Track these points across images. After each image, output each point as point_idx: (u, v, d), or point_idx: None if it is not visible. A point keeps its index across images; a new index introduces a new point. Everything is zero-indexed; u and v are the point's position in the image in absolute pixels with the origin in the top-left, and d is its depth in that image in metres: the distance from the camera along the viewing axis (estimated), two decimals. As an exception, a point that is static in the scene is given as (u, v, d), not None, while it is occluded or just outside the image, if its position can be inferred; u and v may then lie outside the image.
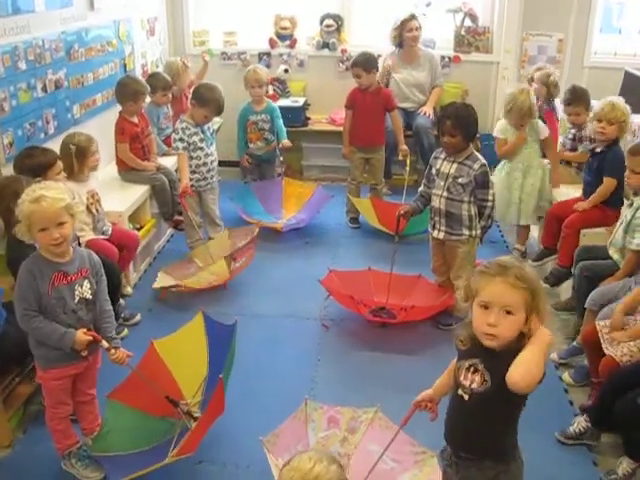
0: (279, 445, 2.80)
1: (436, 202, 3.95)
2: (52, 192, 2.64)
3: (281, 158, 6.06)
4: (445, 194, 3.88)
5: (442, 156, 3.92)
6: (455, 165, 3.83)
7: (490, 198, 3.85)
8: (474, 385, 2.03)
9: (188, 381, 3.19)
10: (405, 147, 5.50)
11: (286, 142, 5.66)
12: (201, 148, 4.77)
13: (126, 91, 4.90)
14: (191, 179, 4.78)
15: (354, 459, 2.87)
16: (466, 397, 2.06)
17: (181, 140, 4.71)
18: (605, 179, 4.20)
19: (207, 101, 4.69)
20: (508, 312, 1.92)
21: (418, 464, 2.85)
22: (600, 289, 3.55)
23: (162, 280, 4.63)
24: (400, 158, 5.52)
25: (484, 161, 3.81)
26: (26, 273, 2.65)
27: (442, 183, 3.88)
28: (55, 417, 2.91)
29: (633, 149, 3.68)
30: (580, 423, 3.16)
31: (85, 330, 2.73)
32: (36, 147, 3.85)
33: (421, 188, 4.13)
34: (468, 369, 2.06)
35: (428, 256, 4.26)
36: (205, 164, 4.82)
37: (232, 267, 4.59)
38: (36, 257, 2.69)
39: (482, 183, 3.81)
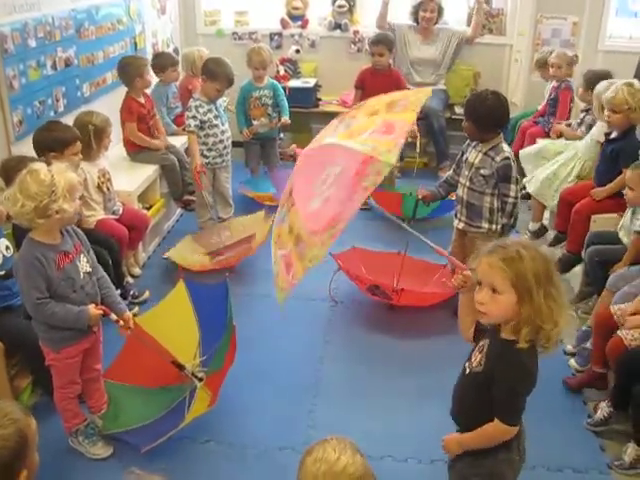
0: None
1: (460, 191, 3.85)
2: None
3: (281, 135, 6.05)
4: (468, 184, 3.77)
5: (473, 144, 3.79)
6: (480, 156, 3.70)
7: (512, 194, 3.67)
8: (474, 364, 2.10)
9: (182, 348, 3.20)
10: (414, 128, 5.42)
11: (286, 119, 5.58)
12: (216, 125, 4.76)
13: (131, 69, 4.83)
14: (207, 157, 4.79)
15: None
16: (467, 371, 2.14)
17: (194, 118, 4.69)
18: (624, 170, 4.03)
19: (216, 74, 4.68)
20: (494, 291, 1.96)
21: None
22: (620, 272, 3.50)
23: (181, 248, 4.71)
24: (409, 140, 5.45)
25: (509, 154, 3.64)
26: (31, 262, 2.62)
27: (467, 172, 3.78)
28: (65, 397, 2.92)
29: None
30: (603, 409, 3.14)
31: (94, 305, 2.76)
32: (59, 122, 3.83)
33: (449, 172, 4.04)
34: (479, 348, 2.12)
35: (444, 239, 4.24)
36: (222, 141, 4.82)
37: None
38: (33, 245, 2.65)
39: (504, 177, 3.64)
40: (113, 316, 2.80)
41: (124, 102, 4.88)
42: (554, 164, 4.88)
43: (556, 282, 1.99)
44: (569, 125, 5.33)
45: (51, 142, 3.57)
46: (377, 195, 5.34)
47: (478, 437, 2.08)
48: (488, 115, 3.63)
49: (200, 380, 3.07)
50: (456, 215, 3.97)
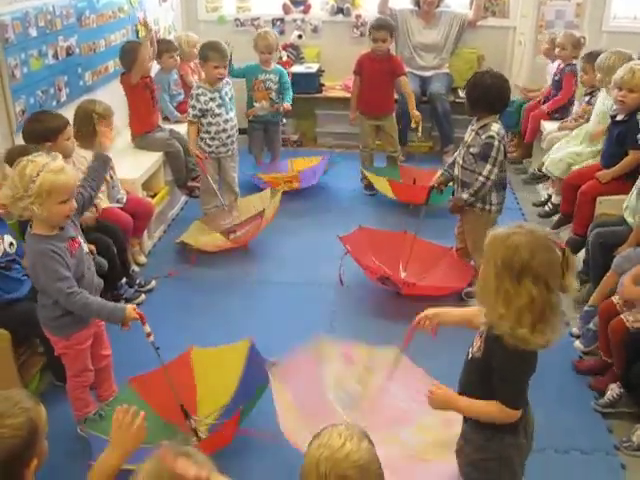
0: (287, 373, 2.74)
1: (455, 169, 3.89)
2: (61, 162, 2.64)
3: (284, 120, 6.06)
4: (461, 162, 3.81)
5: (472, 123, 3.82)
6: (472, 134, 3.74)
7: (484, 173, 3.66)
8: (475, 349, 2.11)
9: (208, 400, 3.05)
10: (417, 112, 5.36)
11: (287, 105, 5.55)
12: (219, 114, 4.73)
13: (134, 52, 4.78)
14: (210, 145, 4.78)
15: (374, 399, 2.82)
16: (470, 356, 2.15)
17: (193, 107, 4.69)
18: (631, 152, 4.08)
19: (207, 51, 4.68)
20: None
21: None
22: (626, 253, 3.48)
23: (192, 232, 4.74)
24: (413, 125, 5.42)
25: (495, 134, 3.63)
26: (50, 255, 2.60)
27: (462, 150, 3.82)
28: (79, 386, 2.93)
29: None
30: (613, 390, 3.13)
31: (134, 306, 2.75)
32: (45, 111, 3.83)
33: (456, 153, 4.02)
34: (480, 333, 2.11)
35: (449, 222, 4.26)
36: (225, 130, 4.78)
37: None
38: (39, 240, 2.63)
39: (482, 154, 3.66)
40: (147, 328, 2.70)
41: (136, 85, 4.82)
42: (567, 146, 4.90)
43: (520, 281, 1.90)
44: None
45: (44, 132, 3.54)
46: (400, 187, 5.33)
47: (476, 408, 2.08)
48: (482, 93, 3.65)
49: (198, 439, 2.87)
50: (453, 194, 3.99)
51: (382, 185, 5.38)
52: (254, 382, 2.95)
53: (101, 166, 3.11)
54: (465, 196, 3.77)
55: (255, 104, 5.59)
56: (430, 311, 2.40)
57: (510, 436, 2.12)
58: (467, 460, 2.23)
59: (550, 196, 5.20)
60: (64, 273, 2.62)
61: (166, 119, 5.56)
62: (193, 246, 4.57)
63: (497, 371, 2.01)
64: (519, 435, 2.13)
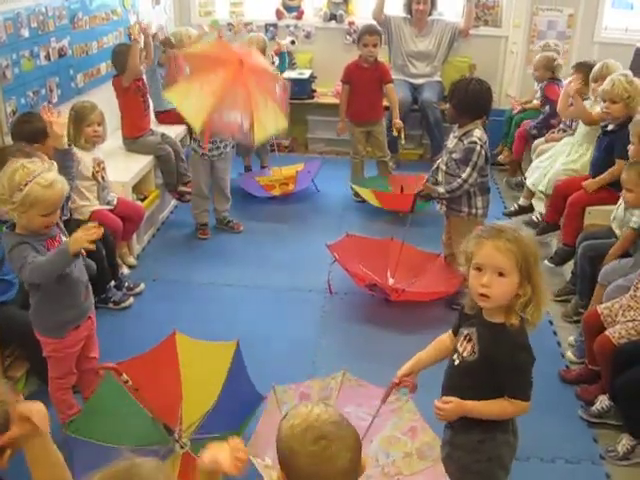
0: (261, 444, 2.74)
1: (439, 175, 3.92)
2: (54, 174, 2.63)
3: None
4: (444, 168, 3.85)
5: (454, 130, 3.87)
6: (455, 140, 3.79)
7: (463, 176, 3.70)
8: (465, 353, 2.11)
9: (191, 400, 2.95)
10: (399, 121, 5.36)
11: None
12: None
13: (126, 55, 4.79)
14: (203, 148, 4.78)
15: None
16: (457, 362, 2.14)
17: None
18: (617, 161, 4.08)
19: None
20: (500, 274, 1.97)
21: (396, 412, 2.89)
22: (611, 265, 3.52)
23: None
24: (395, 133, 5.44)
25: (477, 139, 3.67)
26: (20, 242, 2.58)
27: (444, 157, 3.86)
28: (60, 388, 2.92)
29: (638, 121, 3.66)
30: (603, 401, 3.14)
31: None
32: (34, 113, 3.79)
33: (439, 160, 4.04)
34: (465, 337, 2.12)
35: (437, 228, 4.28)
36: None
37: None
38: (14, 235, 2.61)
39: (464, 159, 3.70)
40: (124, 377, 2.60)
41: (128, 87, 4.83)
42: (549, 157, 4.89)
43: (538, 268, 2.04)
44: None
45: (33, 133, 3.50)
46: (385, 196, 5.35)
47: (489, 407, 2.07)
48: (468, 101, 3.70)
49: (181, 447, 2.79)
50: (438, 200, 4.02)
51: (368, 195, 5.41)
52: (237, 395, 2.94)
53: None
54: (441, 190, 3.81)
55: None
56: (404, 370, 2.36)
57: (502, 434, 2.14)
58: (458, 465, 2.23)
59: (520, 206, 5.25)
60: (29, 254, 2.56)
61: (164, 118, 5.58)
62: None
63: (504, 368, 2.02)
64: (509, 433, 2.16)
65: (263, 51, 5.55)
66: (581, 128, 4.70)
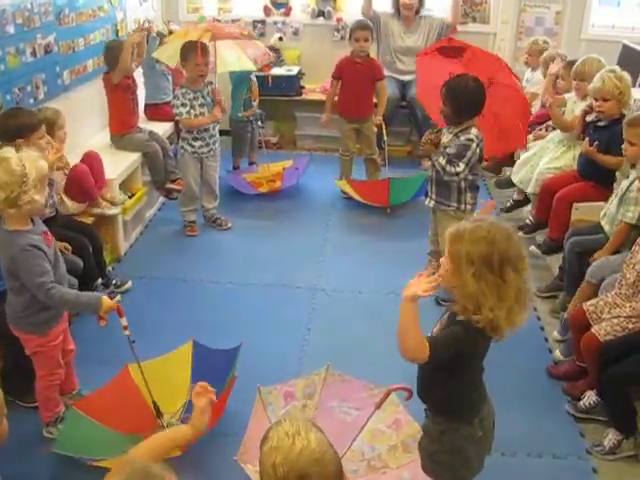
0: (252, 451, 2.72)
1: (431, 170, 3.93)
2: (25, 153, 2.67)
3: (259, 123, 6.15)
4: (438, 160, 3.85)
5: (449, 127, 3.86)
6: (450, 136, 3.80)
7: (456, 169, 3.71)
8: (434, 332, 2.16)
9: (165, 405, 3.02)
10: (379, 117, 5.42)
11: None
12: (202, 113, 4.74)
13: (117, 51, 4.78)
14: (193, 146, 4.81)
15: (317, 420, 2.84)
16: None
17: (184, 105, 4.69)
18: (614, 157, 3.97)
19: (185, 50, 4.68)
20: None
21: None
22: (599, 262, 3.51)
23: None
24: (374, 129, 5.46)
25: (474, 137, 3.69)
26: (30, 250, 2.59)
27: (438, 152, 3.85)
28: (50, 385, 2.91)
29: (631, 120, 3.60)
30: (590, 397, 3.15)
31: (107, 296, 2.77)
32: (20, 108, 3.77)
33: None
34: (442, 320, 2.18)
35: (424, 224, 4.29)
36: (207, 130, 4.81)
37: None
38: (16, 236, 2.62)
39: (457, 153, 3.71)
40: (124, 321, 2.73)
41: (118, 84, 4.83)
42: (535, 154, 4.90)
43: (503, 272, 1.94)
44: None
45: (19, 128, 3.46)
46: (361, 187, 5.39)
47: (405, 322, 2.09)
48: (468, 101, 3.70)
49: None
50: (426, 194, 4.05)
51: (347, 188, 5.47)
52: (215, 370, 2.98)
53: None
54: (443, 162, 3.75)
55: (253, 102, 5.73)
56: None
57: (465, 427, 2.16)
58: (424, 453, 2.28)
59: (515, 200, 5.24)
60: (46, 267, 2.63)
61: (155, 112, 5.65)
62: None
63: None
64: (474, 427, 2.17)
65: None
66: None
